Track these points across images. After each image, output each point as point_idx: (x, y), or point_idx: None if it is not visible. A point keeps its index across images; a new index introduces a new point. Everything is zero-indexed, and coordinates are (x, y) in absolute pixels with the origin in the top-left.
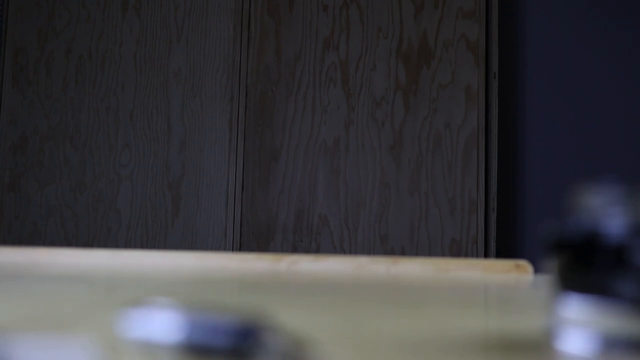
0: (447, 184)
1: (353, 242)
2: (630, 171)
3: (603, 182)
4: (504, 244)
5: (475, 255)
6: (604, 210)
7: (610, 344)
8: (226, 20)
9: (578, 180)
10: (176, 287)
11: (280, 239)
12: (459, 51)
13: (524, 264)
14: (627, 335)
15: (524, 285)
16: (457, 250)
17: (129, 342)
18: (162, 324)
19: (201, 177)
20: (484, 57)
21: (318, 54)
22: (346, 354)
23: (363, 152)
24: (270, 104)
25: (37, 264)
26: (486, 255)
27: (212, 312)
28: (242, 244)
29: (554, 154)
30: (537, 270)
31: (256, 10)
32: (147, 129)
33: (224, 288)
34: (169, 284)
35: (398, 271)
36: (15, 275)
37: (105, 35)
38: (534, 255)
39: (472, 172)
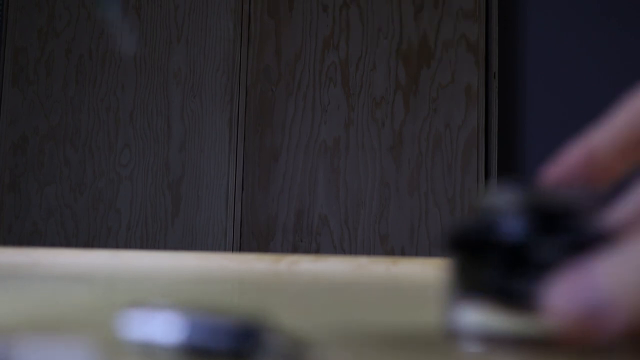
0: (447, 184)
1: (353, 242)
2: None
3: (506, 181)
4: None
5: None
6: (504, 209)
7: (504, 342)
8: (226, 20)
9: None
10: (176, 287)
11: (280, 239)
12: (459, 51)
13: None
14: (522, 333)
15: None
16: None
17: (129, 343)
18: (161, 325)
19: (201, 177)
20: (484, 57)
21: (318, 54)
22: (346, 354)
23: (363, 152)
24: (270, 104)
25: (37, 264)
26: None
27: (212, 313)
28: (242, 244)
29: (554, 154)
30: None
31: (256, 10)
32: (147, 129)
33: (224, 288)
34: (169, 284)
35: (398, 271)
36: (15, 275)
37: (105, 35)
38: None
39: (472, 172)
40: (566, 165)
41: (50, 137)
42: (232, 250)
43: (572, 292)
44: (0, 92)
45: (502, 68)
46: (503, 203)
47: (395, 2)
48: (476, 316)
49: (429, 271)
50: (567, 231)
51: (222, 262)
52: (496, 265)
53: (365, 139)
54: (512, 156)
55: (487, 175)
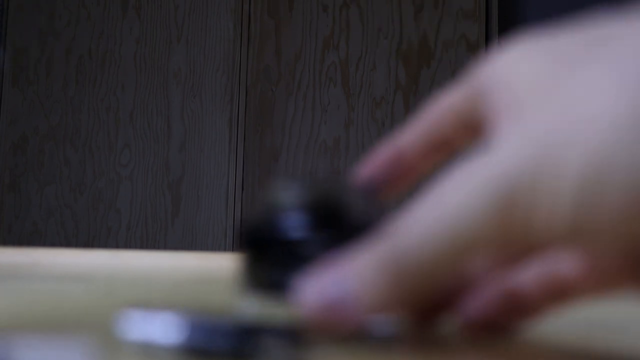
0: None
1: None
2: None
3: (291, 178)
4: None
5: None
6: (284, 206)
7: (277, 336)
8: (226, 20)
9: None
10: (176, 288)
11: None
12: (459, 51)
13: None
14: (290, 324)
15: None
16: None
17: (129, 343)
18: (161, 326)
19: (201, 177)
20: (484, 57)
21: (318, 54)
22: (346, 354)
23: (363, 152)
24: (270, 104)
25: (37, 264)
26: None
27: (212, 313)
28: None
29: None
30: None
31: (256, 10)
32: (147, 129)
33: (224, 288)
34: (169, 284)
35: None
36: (15, 275)
37: (105, 35)
38: None
39: None
40: (374, 165)
41: (50, 137)
42: (232, 250)
43: (318, 285)
44: (0, 92)
45: None
46: (284, 200)
47: (395, 2)
48: (256, 307)
49: None
50: (338, 227)
51: (222, 262)
52: (270, 260)
53: (365, 139)
54: None
55: None
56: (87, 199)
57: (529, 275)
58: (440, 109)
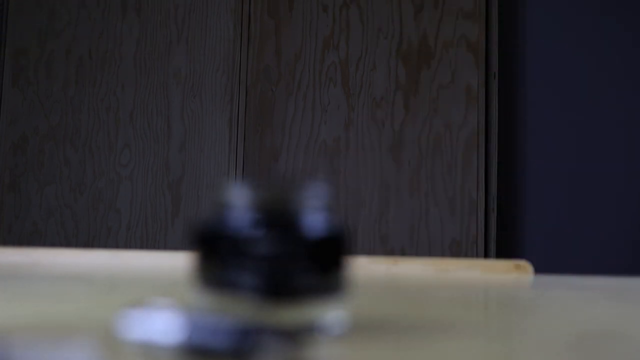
0: (447, 184)
1: (353, 242)
2: (630, 170)
3: (244, 179)
4: (504, 244)
5: (475, 255)
6: (236, 206)
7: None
8: (226, 20)
9: (578, 180)
10: (176, 287)
11: None
12: (459, 51)
13: (524, 264)
14: (241, 318)
15: (524, 285)
16: (457, 250)
17: (129, 343)
18: (162, 325)
19: (201, 177)
20: (484, 57)
21: (318, 54)
22: (346, 353)
23: (363, 152)
24: (270, 104)
25: (37, 264)
26: (486, 255)
27: (212, 313)
28: None
29: (554, 153)
30: (537, 270)
31: (256, 10)
32: (147, 129)
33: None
34: (169, 284)
35: (398, 271)
36: (15, 275)
37: (105, 35)
38: (534, 255)
39: (472, 172)
40: None
41: (50, 137)
42: None
43: None
44: (0, 92)
45: (502, 68)
46: (236, 200)
47: (395, 2)
48: (209, 304)
49: (428, 271)
50: (285, 227)
51: None
52: (221, 258)
53: (365, 139)
54: (512, 156)
55: (487, 175)
56: (87, 199)
57: None
58: None
